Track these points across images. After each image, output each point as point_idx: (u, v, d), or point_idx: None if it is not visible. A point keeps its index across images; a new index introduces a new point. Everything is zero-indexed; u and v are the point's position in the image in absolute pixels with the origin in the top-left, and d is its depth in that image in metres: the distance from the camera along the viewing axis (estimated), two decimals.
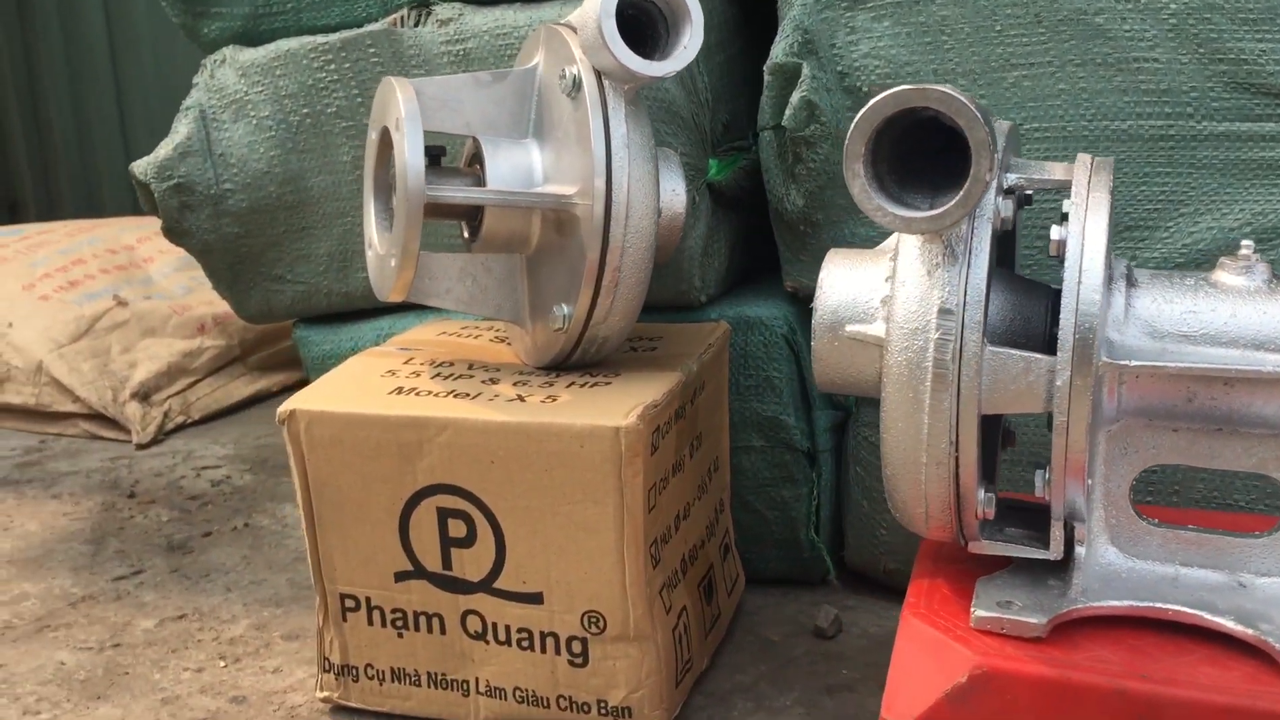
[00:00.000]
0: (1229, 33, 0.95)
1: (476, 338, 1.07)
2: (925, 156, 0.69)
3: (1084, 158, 0.74)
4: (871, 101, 0.64)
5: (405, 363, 0.99)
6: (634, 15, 0.88)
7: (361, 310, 1.27)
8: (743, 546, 1.14)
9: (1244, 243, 0.71)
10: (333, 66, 1.18)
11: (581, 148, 0.88)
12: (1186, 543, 0.75)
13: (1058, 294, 0.74)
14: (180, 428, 1.91)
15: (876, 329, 0.74)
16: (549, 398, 0.88)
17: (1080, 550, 0.75)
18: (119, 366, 1.96)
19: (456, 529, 0.89)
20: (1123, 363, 0.68)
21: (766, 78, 1.05)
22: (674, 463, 0.92)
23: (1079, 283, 0.67)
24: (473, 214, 0.95)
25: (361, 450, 0.89)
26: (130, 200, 3.43)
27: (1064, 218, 0.75)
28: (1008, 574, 0.76)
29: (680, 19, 0.87)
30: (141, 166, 1.21)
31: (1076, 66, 0.99)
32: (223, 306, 2.08)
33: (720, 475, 1.07)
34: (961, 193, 0.63)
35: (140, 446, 1.81)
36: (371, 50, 1.16)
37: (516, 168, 0.93)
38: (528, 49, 0.99)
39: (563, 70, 0.89)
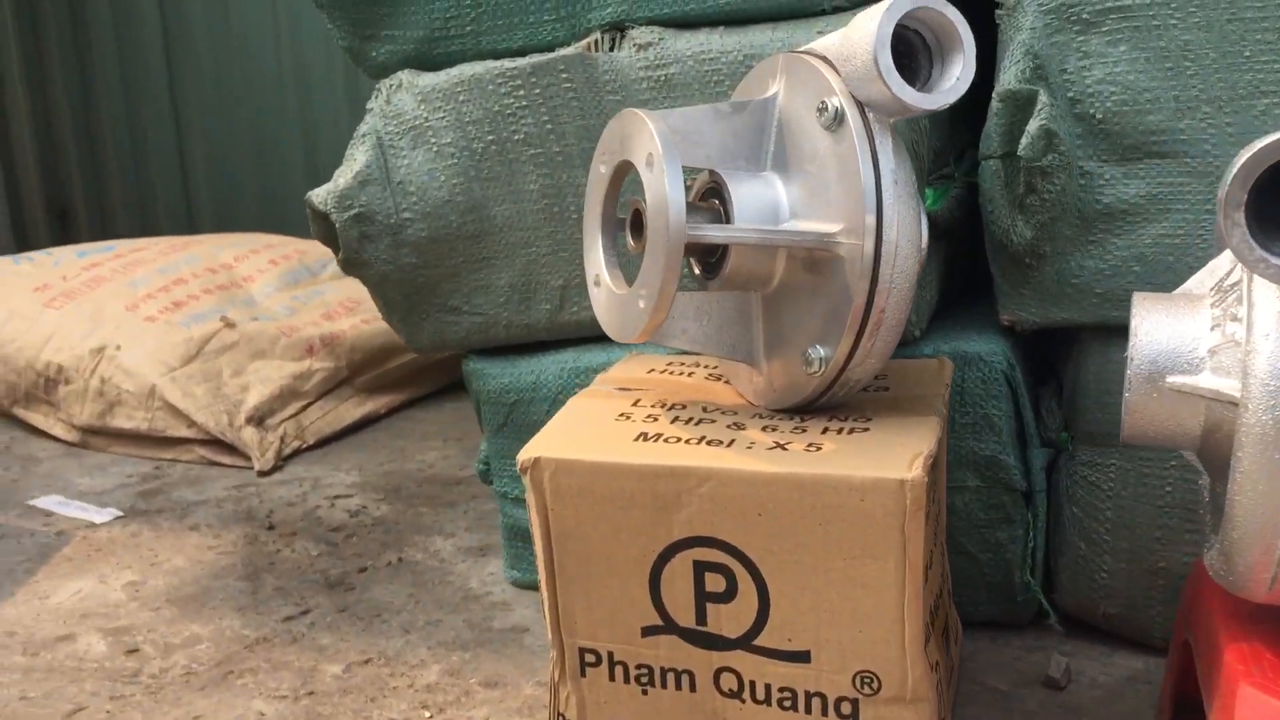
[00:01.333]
0: None
1: (690, 375, 1.03)
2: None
3: None
4: (1260, 145, 0.60)
5: (634, 405, 0.95)
6: (892, 44, 0.84)
7: (540, 342, 1.23)
8: (955, 589, 1.10)
9: None
10: (521, 92, 1.14)
11: (846, 184, 0.83)
12: None
13: None
14: (296, 453, 1.88)
15: (1207, 381, 0.70)
16: (811, 445, 0.84)
17: None
18: (231, 390, 1.93)
19: (714, 583, 0.85)
20: None
21: (995, 104, 1.01)
22: (926, 512, 0.88)
23: None
24: (712, 250, 0.91)
25: (613, 501, 0.85)
26: (185, 211, 3.42)
27: None
28: None
29: (951, 49, 0.83)
30: (320, 196, 1.18)
31: None
32: (329, 327, 2.06)
33: (942, 519, 1.03)
34: None
35: (262, 474, 1.78)
36: (564, 75, 1.12)
37: (763, 203, 0.89)
38: (758, 77, 0.95)
39: (822, 102, 0.85)
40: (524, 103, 1.14)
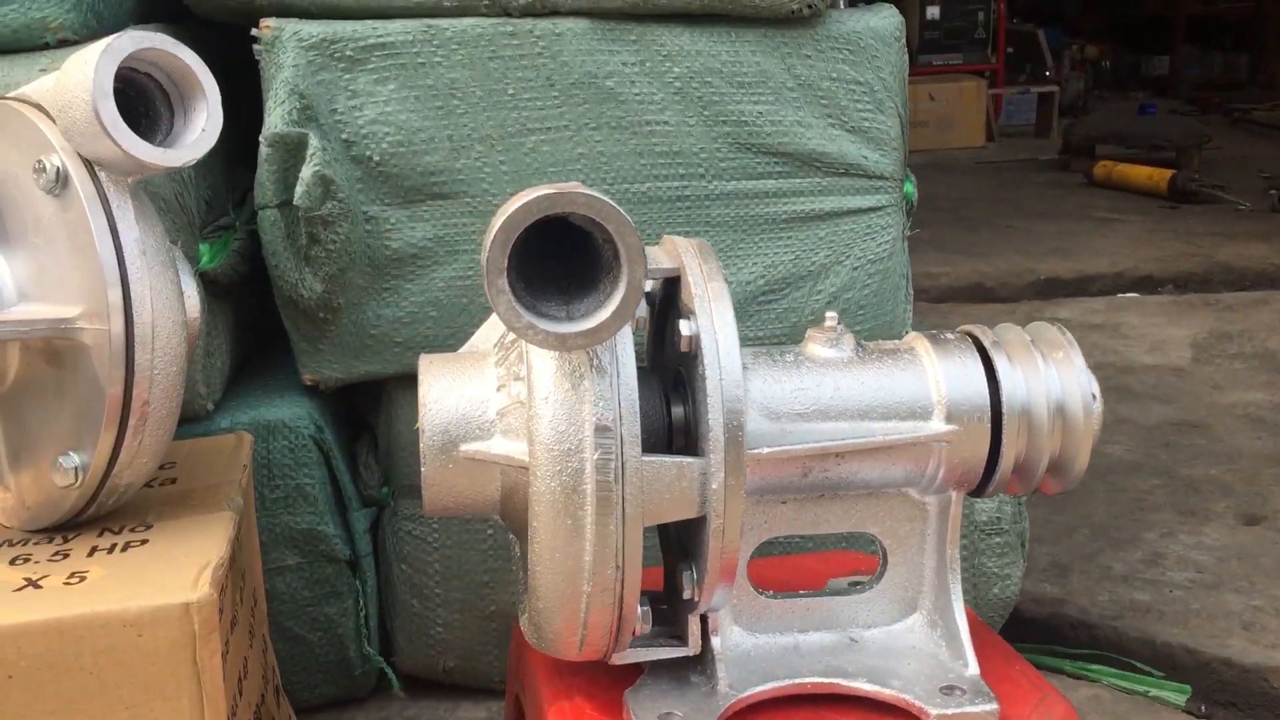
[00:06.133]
0: (729, 96, 0.99)
1: None
2: (541, 258, 0.62)
3: (675, 240, 0.71)
4: (513, 208, 0.56)
5: None
6: (121, 90, 0.71)
7: None
8: (285, 677, 1.00)
9: (828, 315, 0.73)
10: None
11: (81, 258, 0.70)
12: (801, 609, 0.76)
13: (675, 376, 0.70)
14: None
15: (499, 446, 0.67)
16: (75, 576, 0.70)
17: (716, 641, 0.73)
18: None
19: None
20: (756, 451, 0.67)
21: (264, 149, 0.92)
22: (232, 619, 0.77)
23: (721, 380, 0.64)
24: None
25: None
26: None
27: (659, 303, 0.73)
28: (650, 680, 0.72)
29: (192, 96, 0.72)
30: None
31: (593, 130, 0.98)
32: None
33: (260, 610, 0.93)
34: (618, 302, 0.58)
35: None
36: None
37: None
38: None
39: (38, 161, 0.70)
40: None
